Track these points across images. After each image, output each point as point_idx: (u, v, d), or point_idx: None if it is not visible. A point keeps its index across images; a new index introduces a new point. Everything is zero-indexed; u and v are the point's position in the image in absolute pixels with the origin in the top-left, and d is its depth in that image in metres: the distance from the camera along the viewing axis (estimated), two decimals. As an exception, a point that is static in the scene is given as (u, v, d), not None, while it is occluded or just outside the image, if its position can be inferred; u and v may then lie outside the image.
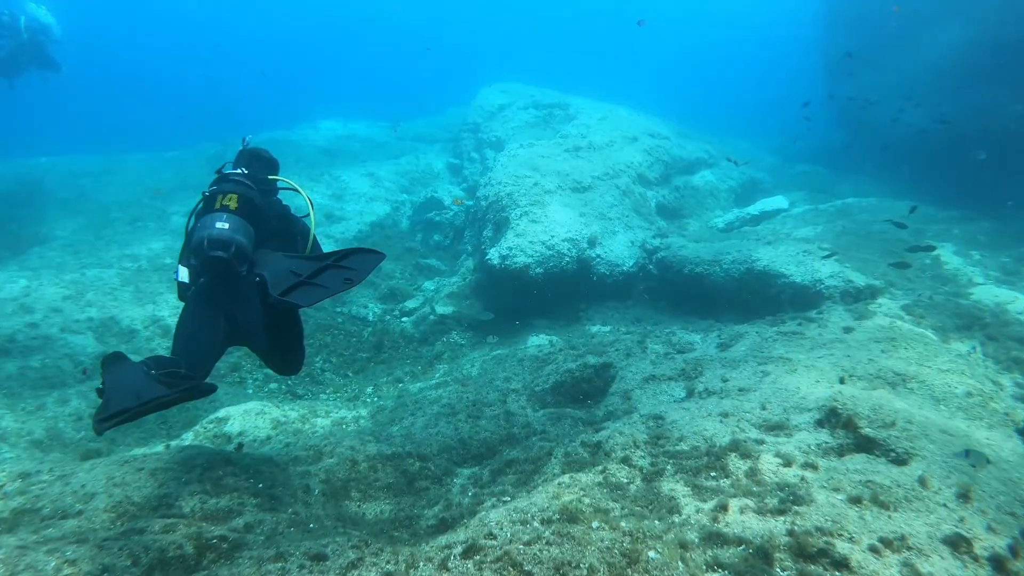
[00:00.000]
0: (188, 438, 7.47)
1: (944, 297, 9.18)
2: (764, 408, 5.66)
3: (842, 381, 6.18)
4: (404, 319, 11.96)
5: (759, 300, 10.97)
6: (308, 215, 5.93)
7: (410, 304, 12.28)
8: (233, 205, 5.28)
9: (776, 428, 5.32)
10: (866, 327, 7.52)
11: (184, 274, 5.09)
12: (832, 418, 5.27)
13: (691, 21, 59.43)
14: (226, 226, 5.07)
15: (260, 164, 6.07)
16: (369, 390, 9.86)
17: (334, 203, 16.46)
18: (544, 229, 11.42)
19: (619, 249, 11.87)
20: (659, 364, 7.42)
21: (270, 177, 6.00)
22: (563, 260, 11.15)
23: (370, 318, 11.96)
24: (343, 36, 67.89)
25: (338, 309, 12.15)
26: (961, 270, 11.20)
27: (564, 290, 11.38)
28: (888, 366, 6.45)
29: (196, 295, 5.13)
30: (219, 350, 5.15)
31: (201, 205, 5.43)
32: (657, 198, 14.95)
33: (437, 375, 9.44)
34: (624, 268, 11.61)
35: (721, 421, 5.45)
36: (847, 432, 5.10)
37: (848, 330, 7.48)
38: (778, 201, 15.97)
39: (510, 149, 14.78)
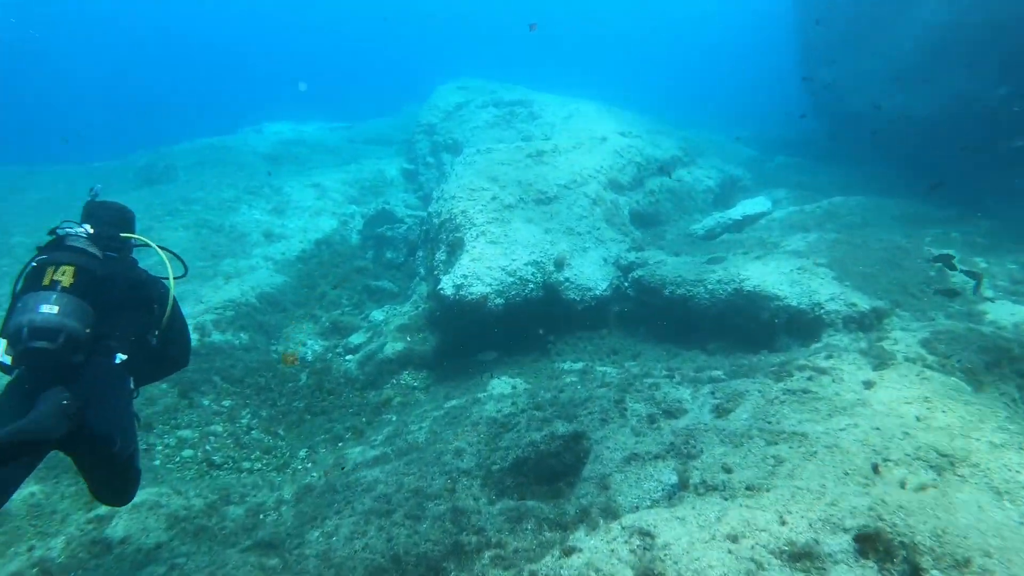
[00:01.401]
0: (57, 547, 5.96)
1: (964, 326, 7.91)
2: (783, 522, 4.30)
3: (876, 470, 4.86)
4: (348, 357, 10.49)
5: (751, 325, 9.68)
6: (182, 274, 4.92)
7: (355, 339, 10.80)
8: (67, 281, 4.14)
9: (803, 558, 3.97)
10: (889, 380, 6.21)
11: (3, 349, 3.96)
12: (878, 545, 3.94)
13: (658, 9, 58.13)
14: (54, 310, 3.95)
15: (109, 220, 4.76)
16: (302, 454, 8.40)
17: (274, 219, 14.88)
18: (504, 252, 10.00)
19: (590, 270, 10.49)
20: (643, 435, 6.05)
21: (122, 235, 4.69)
22: (527, 287, 9.75)
23: (308, 357, 10.47)
24: (298, 31, 65.50)
25: (273, 347, 10.65)
26: (969, 282, 10.02)
27: (529, 320, 9.99)
28: (929, 443, 5.14)
29: (14, 386, 3.97)
30: (31, 460, 3.87)
31: (30, 268, 4.21)
32: (631, 204, 13.60)
33: (381, 436, 7.98)
34: (597, 292, 10.24)
35: (729, 550, 4.09)
36: (902, 569, 3.77)
37: (869, 385, 6.16)
38: (760, 203, 14.71)
39: (466, 156, 13.31)
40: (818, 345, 8.49)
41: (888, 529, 3.98)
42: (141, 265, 4.89)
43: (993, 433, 5.34)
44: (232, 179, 16.76)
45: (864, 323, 8.81)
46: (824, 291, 9.16)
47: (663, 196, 14.56)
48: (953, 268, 9.29)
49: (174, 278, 4.77)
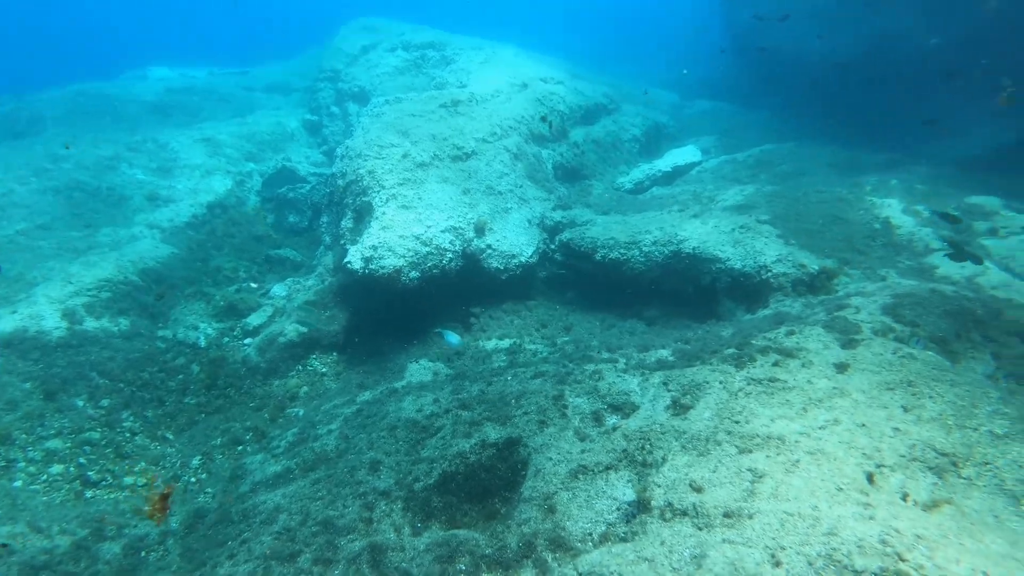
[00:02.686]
0: None
1: (926, 288, 7.31)
2: (777, 563, 3.54)
3: (871, 480, 4.15)
4: (247, 341, 9.25)
5: (690, 288, 8.98)
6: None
7: (254, 320, 9.54)
8: None
9: (806, 618, 3.20)
10: (864, 360, 5.52)
11: None
12: (899, 600, 3.20)
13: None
14: None
15: None
16: (195, 462, 7.23)
17: (159, 179, 13.15)
18: (418, 218, 8.87)
19: (514, 234, 9.50)
20: (589, 440, 5.18)
21: None
22: (444, 257, 8.68)
23: (201, 343, 9.16)
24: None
25: (159, 333, 9.27)
26: (915, 234, 9.55)
27: (449, 293, 8.97)
28: (925, 439, 4.47)
29: None
30: None
31: None
32: (554, 157, 12.59)
33: (285, 441, 6.89)
34: (522, 259, 9.28)
35: (717, 614, 3.28)
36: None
37: (842, 368, 5.46)
38: (690, 152, 13.98)
39: (373, 107, 11.95)
40: (767, 312, 7.83)
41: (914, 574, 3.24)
42: None
43: (991, 420, 4.72)
44: (110, 131, 14.81)
45: (814, 285, 8.21)
46: (770, 252, 8.48)
47: (588, 147, 13.61)
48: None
49: None
